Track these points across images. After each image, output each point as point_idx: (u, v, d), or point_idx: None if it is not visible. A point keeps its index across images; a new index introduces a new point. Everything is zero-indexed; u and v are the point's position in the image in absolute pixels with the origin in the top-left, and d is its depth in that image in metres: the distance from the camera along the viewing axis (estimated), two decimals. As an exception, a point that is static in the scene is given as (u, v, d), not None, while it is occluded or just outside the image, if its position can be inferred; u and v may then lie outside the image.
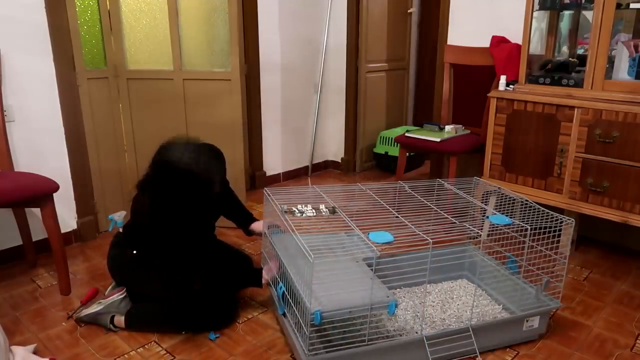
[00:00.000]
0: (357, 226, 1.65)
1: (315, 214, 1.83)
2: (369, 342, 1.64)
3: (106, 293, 2.03)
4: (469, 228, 1.76)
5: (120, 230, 2.11)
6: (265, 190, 1.96)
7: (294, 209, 1.83)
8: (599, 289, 2.31)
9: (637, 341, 1.92)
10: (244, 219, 2.27)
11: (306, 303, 1.57)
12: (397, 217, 1.73)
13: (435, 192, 2.05)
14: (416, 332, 1.84)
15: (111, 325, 1.94)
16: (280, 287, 1.82)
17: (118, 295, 1.97)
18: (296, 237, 1.60)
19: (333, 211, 1.84)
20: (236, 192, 2.33)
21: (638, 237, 2.65)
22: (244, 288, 2.21)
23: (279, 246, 1.91)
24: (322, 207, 1.86)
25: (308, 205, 1.86)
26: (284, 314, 1.84)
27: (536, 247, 1.95)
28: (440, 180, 2.14)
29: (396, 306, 1.62)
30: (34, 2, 2.41)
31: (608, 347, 1.88)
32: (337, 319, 1.64)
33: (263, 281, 2.02)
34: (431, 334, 1.72)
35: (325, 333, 1.78)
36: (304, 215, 1.81)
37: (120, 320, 1.94)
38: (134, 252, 1.99)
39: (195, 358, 1.81)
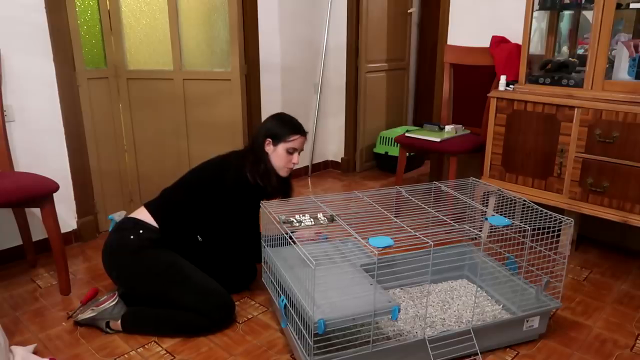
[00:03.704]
0: (356, 233, 1.64)
1: (313, 223, 1.82)
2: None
3: (100, 300, 1.97)
4: (468, 230, 1.75)
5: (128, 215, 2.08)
6: (262, 204, 1.95)
7: (292, 218, 1.82)
8: (599, 289, 2.31)
9: (637, 341, 1.92)
10: None
11: (309, 312, 1.55)
12: (396, 222, 1.73)
13: (434, 195, 2.05)
14: (416, 332, 1.84)
15: (108, 329, 1.92)
16: (282, 300, 1.80)
17: (109, 303, 1.92)
18: (297, 247, 1.59)
19: (332, 219, 1.83)
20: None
21: (638, 237, 2.65)
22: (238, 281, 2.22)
23: (278, 257, 1.90)
24: (320, 215, 1.85)
25: (306, 215, 1.84)
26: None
27: (536, 248, 1.95)
28: (437, 183, 2.14)
29: (399, 311, 1.62)
30: (34, 2, 2.41)
31: (608, 347, 1.88)
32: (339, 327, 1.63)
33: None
34: (433, 337, 1.71)
35: (328, 342, 1.76)
36: (302, 224, 1.80)
37: (116, 324, 1.92)
38: (157, 226, 1.99)
39: (195, 358, 1.81)
